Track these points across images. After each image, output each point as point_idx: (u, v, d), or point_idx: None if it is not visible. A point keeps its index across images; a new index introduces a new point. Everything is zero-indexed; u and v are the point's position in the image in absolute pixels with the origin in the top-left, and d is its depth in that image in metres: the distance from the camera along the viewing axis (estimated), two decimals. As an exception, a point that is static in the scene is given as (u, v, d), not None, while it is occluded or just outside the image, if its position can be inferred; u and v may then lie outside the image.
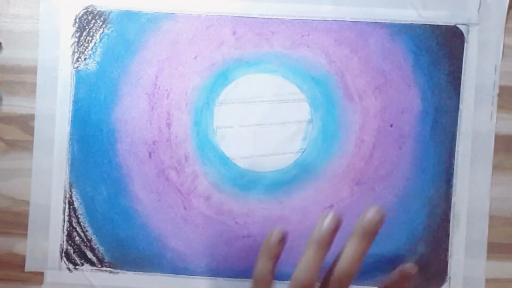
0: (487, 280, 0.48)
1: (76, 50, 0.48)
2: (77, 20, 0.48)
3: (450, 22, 0.48)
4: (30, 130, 0.48)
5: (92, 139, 0.48)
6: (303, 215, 0.48)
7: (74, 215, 0.48)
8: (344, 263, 0.36)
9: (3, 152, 0.49)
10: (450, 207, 0.48)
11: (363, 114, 0.48)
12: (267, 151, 0.48)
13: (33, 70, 0.48)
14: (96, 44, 0.48)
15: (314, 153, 0.48)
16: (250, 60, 0.48)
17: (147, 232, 0.48)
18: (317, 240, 0.36)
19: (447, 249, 0.48)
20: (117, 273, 0.48)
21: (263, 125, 0.48)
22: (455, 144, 0.48)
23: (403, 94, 0.48)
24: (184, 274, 0.48)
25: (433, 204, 0.48)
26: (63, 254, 0.48)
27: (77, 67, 0.48)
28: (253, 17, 0.48)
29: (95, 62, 0.48)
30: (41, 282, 0.48)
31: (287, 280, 0.48)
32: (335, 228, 0.37)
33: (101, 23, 0.48)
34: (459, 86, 0.48)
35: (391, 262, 0.48)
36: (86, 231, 0.48)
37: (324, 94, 0.48)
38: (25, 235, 0.48)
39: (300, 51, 0.48)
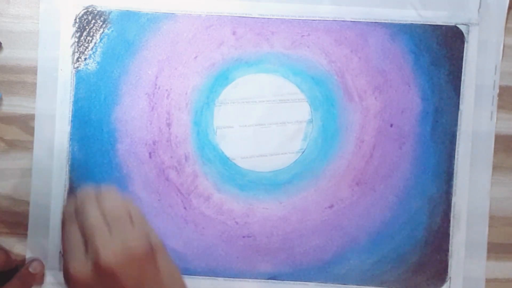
0: (487, 280, 0.48)
1: (76, 50, 0.48)
2: (77, 20, 0.48)
3: (450, 22, 0.48)
4: (30, 130, 0.48)
5: (92, 139, 0.48)
6: (303, 215, 0.48)
7: (74, 215, 0.48)
8: None
9: (3, 152, 0.48)
10: (450, 207, 0.48)
11: (363, 114, 0.48)
12: (267, 151, 0.48)
13: (33, 70, 0.48)
14: (96, 44, 0.48)
15: (314, 153, 0.48)
16: (250, 60, 0.48)
17: (147, 232, 0.48)
18: None
19: (447, 249, 0.48)
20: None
21: (263, 125, 0.48)
22: (455, 144, 0.48)
23: (403, 94, 0.48)
24: (184, 274, 0.48)
25: (433, 204, 0.48)
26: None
27: (77, 67, 0.48)
28: (253, 17, 0.48)
29: (95, 62, 0.48)
30: (41, 282, 0.48)
31: (286, 280, 0.48)
32: None
33: (101, 23, 0.48)
34: (459, 86, 0.48)
35: (391, 262, 0.48)
36: (86, 231, 0.48)
37: (324, 94, 0.48)
38: (25, 235, 0.48)
39: (300, 51, 0.48)
